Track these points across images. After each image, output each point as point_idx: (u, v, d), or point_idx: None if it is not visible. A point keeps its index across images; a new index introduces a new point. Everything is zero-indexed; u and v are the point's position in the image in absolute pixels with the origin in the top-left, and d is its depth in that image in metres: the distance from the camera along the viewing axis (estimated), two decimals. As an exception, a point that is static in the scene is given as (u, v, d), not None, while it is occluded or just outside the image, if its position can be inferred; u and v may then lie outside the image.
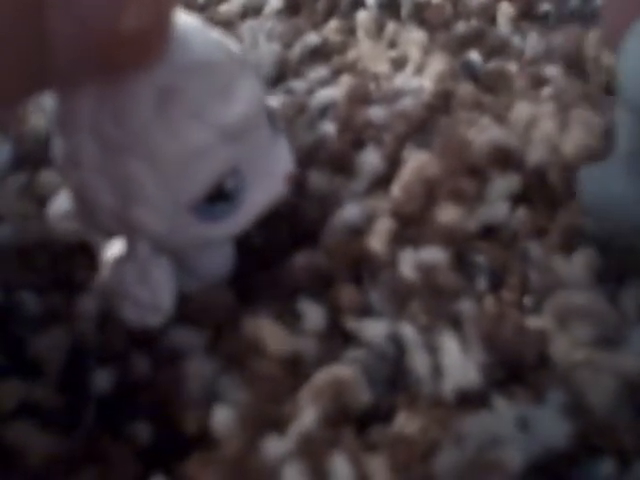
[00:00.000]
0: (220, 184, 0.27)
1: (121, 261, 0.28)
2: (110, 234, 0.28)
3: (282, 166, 0.29)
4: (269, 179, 0.29)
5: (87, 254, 0.30)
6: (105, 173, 0.26)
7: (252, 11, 0.45)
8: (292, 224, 0.31)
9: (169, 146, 0.26)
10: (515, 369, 0.27)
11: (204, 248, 0.29)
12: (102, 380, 0.27)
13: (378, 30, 0.43)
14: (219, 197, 0.27)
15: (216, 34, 0.28)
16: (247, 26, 0.44)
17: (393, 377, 0.27)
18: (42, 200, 0.32)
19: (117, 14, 0.23)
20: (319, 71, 0.40)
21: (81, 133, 0.26)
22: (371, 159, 0.34)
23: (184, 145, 0.26)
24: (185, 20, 0.27)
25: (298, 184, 0.31)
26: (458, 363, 0.27)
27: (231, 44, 0.28)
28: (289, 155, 0.30)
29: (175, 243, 0.28)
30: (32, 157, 0.34)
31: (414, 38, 0.42)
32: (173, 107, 0.26)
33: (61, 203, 0.31)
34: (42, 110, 0.35)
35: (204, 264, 0.29)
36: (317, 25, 0.44)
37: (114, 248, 0.29)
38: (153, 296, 0.27)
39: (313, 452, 0.25)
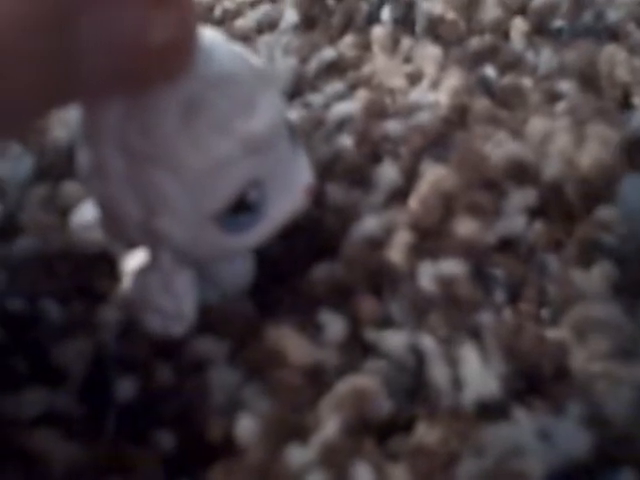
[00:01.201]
0: (243, 195, 0.27)
1: (144, 271, 0.28)
2: (134, 244, 0.28)
3: (302, 178, 0.30)
4: (290, 191, 0.29)
5: (109, 263, 0.30)
6: (131, 184, 0.26)
7: (268, 26, 0.46)
8: (311, 236, 0.32)
9: (194, 158, 0.26)
10: (534, 380, 0.28)
11: (226, 259, 0.29)
12: (125, 388, 0.27)
13: (393, 45, 0.43)
14: (242, 208, 0.27)
15: (238, 47, 0.28)
16: (263, 41, 0.44)
17: (413, 388, 0.28)
18: (64, 211, 0.32)
19: (144, 29, 0.23)
20: (335, 85, 0.40)
21: (107, 145, 0.26)
22: (388, 172, 0.34)
23: (208, 157, 0.26)
24: (208, 33, 0.27)
25: (317, 197, 0.31)
26: (478, 374, 0.27)
27: (253, 57, 0.28)
28: (309, 167, 0.30)
29: (198, 254, 0.28)
30: (54, 168, 0.34)
31: (429, 53, 0.42)
32: (198, 119, 0.26)
33: (84, 213, 0.31)
34: (63, 121, 0.35)
35: (225, 275, 0.29)
36: (333, 40, 0.44)
37: (135, 258, 0.29)
38: (176, 306, 0.28)
39: (335, 461, 0.25)
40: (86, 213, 0.31)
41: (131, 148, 0.26)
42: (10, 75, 0.22)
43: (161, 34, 0.24)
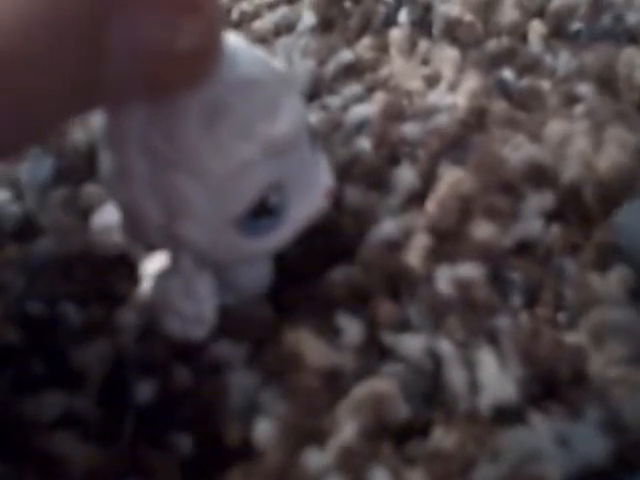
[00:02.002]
0: (264, 199, 0.27)
1: (165, 274, 0.28)
2: (154, 247, 0.29)
3: (323, 181, 0.30)
4: (310, 194, 0.29)
5: (128, 266, 0.30)
6: (153, 188, 0.26)
7: (285, 28, 0.46)
8: (329, 239, 0.32)
9: (216, 162, 0.26)
10: (551, 385, 0.27)
11: (245, 263, 0.29)
12: (143, 391, 0.27)
13: (410, 48, 0.43)
14: (263, 212, 0.27)
15: (260, 51, 0.28)
16: (281, 43, 0.44)
17: (430, 392, 0.28)
18: (85, 213, 0.33)
19: (171, 35, 0.24)
20: (353, 88, 0.40)
21: (130, 149, 0.26)
22: (406, 175, 0.34)
23: (231, 161, 0.26)
24: (231, 38, 0.27)
25: (335, 199, 0.31)
26: (495, 378, 0.27)
27: (275, 61, 0.29)
28: (328, 170, 0.30)
29: (219, 257, 0.28)
30: (74, 170, 0.34)
31: (446, 56, 0.42)
32: (221, 124, 0.26)
33: (104, 216, 0.31)
34: (83, 123, 0.36)
35: (244, 278, 0.29)
36: (350, 42, 0.44)
37: (156, 261, 0.29)
38: (197, 309, 0.28)
39: (353, 465, 0.25)
40: (106, 215, 0.31)
41: (154, 152, 0.26)
42: (40, 79, 0.22)
43: (188, 41, 0.24)
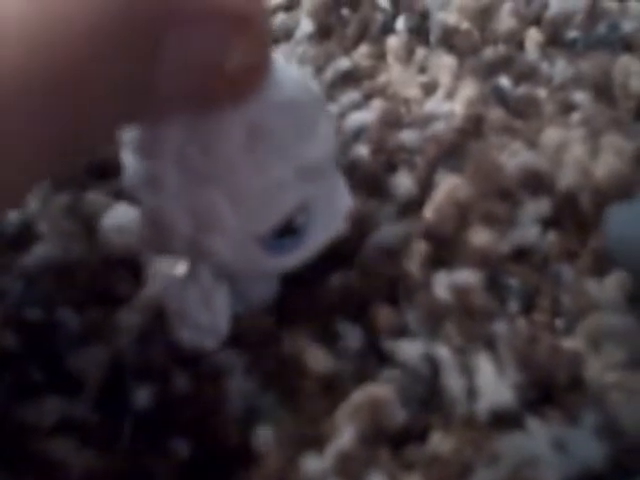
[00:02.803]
0: (290, 219, 0.27)
1: (183, 283, 0.28)
2: (173, 256, 0.29)
3: (344, 202, 0.30)
4: (332, 215, 0.29)
5: (129, 270, 0.30)
6: (184, 200, 0.26)
7: (283, 35, 0.46)
8: (327, 245, 0.32)
9: (252, 180, 0.26)
10: (548, 390, 0.28)
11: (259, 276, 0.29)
12: (142, 396, 0.27)
13: (408, 55, 0.43)
14: (287, 232, 0.28)
15: (297, 71, 0.28)
16: (279, 50, 0.44)
17: (428, 397, 0.28)
18: (85, 219, 0.32)
19: (223, 52, 0.24)
20: (350, 95, 0.40)
21: (165, 159, 0.26)
22: (404, 182, 0.34)
23: (266, 180, 0.26)
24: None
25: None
26: (492, 384, 0.27)
27: (311, 81, 0.28)
28: (347, 190, 0.30)
29: (237, 270, 0.28)
30: (75, 176, 0.34)
31: (444, 63, 0.42)
32: (261, 143, 0.26)
33: (114, 217, 0.31)
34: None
35: (255, 290, 0.30)
36: (348, 50, 0.44)
37: (168, 267, 0.29)
38: (212, 320, 0.28)
39: (351, 470, 0.25)
40: (117, 218, 0.31)
41: (190, 165, 0.26)
42: (97, 85, 0.22)
43: (239, 59, 0.24)
